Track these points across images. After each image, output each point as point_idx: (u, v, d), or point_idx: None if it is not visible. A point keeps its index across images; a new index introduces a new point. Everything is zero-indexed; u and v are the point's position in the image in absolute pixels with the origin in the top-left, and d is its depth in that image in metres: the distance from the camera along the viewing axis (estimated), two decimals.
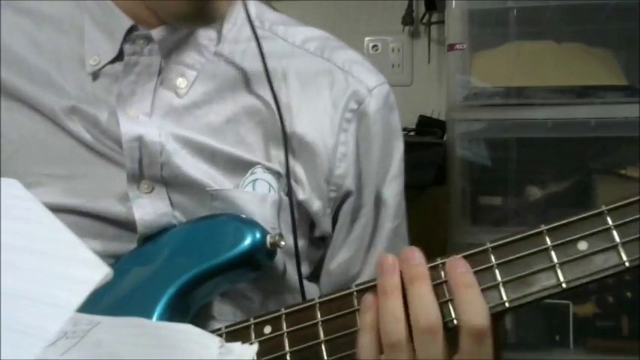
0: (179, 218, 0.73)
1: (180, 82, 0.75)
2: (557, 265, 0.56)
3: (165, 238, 0.72)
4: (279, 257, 0.73)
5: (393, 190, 0.81)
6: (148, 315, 0.66)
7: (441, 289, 0.58)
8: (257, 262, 0.70)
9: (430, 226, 1.40)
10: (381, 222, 0.81)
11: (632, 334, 1.44)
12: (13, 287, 0.40)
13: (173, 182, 0.73)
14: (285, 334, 0.63)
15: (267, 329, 0.63)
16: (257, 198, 0.73)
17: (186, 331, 0.52)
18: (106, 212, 0.72)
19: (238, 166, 0.74)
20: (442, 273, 0.58)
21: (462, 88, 1.48)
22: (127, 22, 0.74)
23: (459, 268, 0.57)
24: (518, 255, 0.57)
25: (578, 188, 1.49)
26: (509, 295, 0.56)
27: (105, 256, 0.68)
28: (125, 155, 0.71)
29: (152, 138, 0.71)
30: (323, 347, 0.61)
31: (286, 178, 0.74)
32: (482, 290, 0.57)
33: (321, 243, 0.80)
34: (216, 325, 0.69)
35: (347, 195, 0.78)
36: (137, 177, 0.72)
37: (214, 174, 0.73)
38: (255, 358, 0.62)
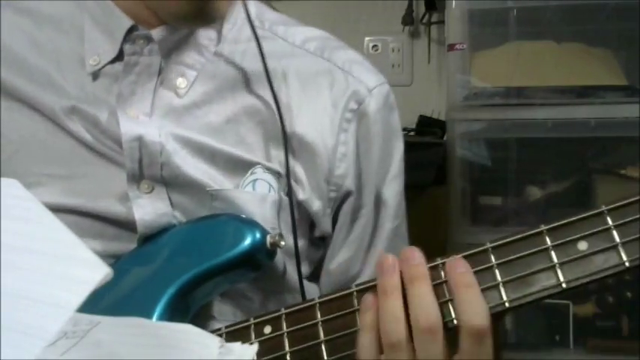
0: (179, 218, 0.73)
1: (180, 82, 0.75)
2: (557, 265, 0.55)
3: (165, 238, 0.72)
4: (279, 257, 0.73)
5: (393, 190, 0.81)
6: (148, 315, 0.66)
7: (441, 289, 0.58)
8: (257, 262, 0.70)
9: (430, 226, 1.40)
10: (381, 222, 0.81)
11: (632, 334, 1.44)
12: (13, 287, 0.40)
13: (173, 182, 0.73)
14: (285, 334, 0.63)
15: (267, 329, 0.63)
16: (257, 198, 0.73)
17: (186, 331, 0.52)
18: (106, 212, 0.72)
19: (238, 166, 0.74)
20: (442, 273, 0.58)
21: (462, 88, 1.48)
22: (127, 22, 0.74)
23: (458, 268, 0.57)
24: (518, 255, 0.57)
25: (578, 188, 1.49)
26: (510, 295, 0.56)
27: (105, 256, 0.67)
28: (125, 155, 0.71)
29: (152, 138, 0.71)
30: (323, 347, 0.61)
31: (286, 178, 0.74)
32: (483, 290, 0.57)
33: (321, 243, 0.80)
34: (217, 325, 0.69)
35: (347, 195, 0.78)
36: (137, 177, 0.72)
37: (214, 174, 0.73)
38: (255, 358, 0.62)
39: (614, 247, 0.54)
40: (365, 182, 0.79)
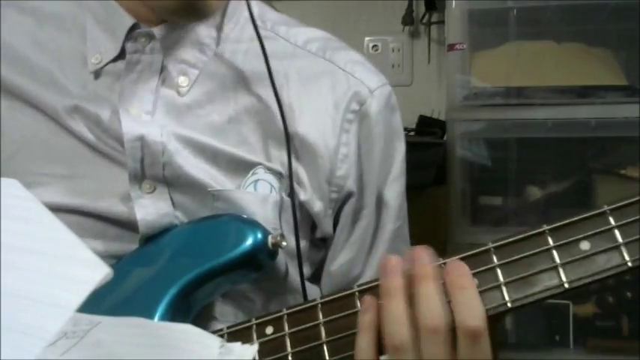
0: (181, 218, 0.73)
1: (182, 81, 0.75)
2: (560, 266, 0.55)
3: (166, 239, 0.72)
4: (281, 258, 0.73)
5: (394, 191, 0.81)
6: (149, 315, 0.66)
7: (444, 287, 0.57)
8: (259, 262, 0.70)
9: (430, 226, 1.40)
10: (383, 223, 0.80)
11: (632, 334, 1.44)
12: (13, 287, 0.40)
13: (175, 182, 0.72)
14: (287, 334, 0.62)
15: (269, 330, 0.63)
16: (258, 198, 0.72)
17: (187, 331, 0.52)
18: (108, 212, 0.72)
19: (240, 167, 0.74)
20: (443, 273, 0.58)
21: (462, 88, 1.48)
22: (128, 21, 0.74)
23: (454, 271, 0.57)
24: (520, 255, 0.57)
25: (578, 188, 1.49)
26: (512, 295, 0.56)
27: (106, 256, 0.68)
28: (127, 155, 0.71)
29: (154, 138, 0.71)
30: (325, 348, 0.61)
31: (288, 179, 0.74)
32: (484, 291, 0.56)
33: (322, 244, 0.80)
34: (218, 326, 0.69)
35: (348, 196, 0.78)
36: (139, 177, 0.72)
37: (216, 174, 0.73)
38: (257, 358, 0.62)
39: (617, 247, 0.54)
40: (366, 183, 0.79)
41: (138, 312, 0.61)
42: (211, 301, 0.72)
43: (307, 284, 0.76)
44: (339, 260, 0.79)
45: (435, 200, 1.54)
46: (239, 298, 0.74)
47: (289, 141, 0.73)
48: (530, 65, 1.47)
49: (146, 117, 0.73)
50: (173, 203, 0.73)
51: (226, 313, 0.73)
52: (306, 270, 0.78)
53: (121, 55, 0.75)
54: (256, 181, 0.73)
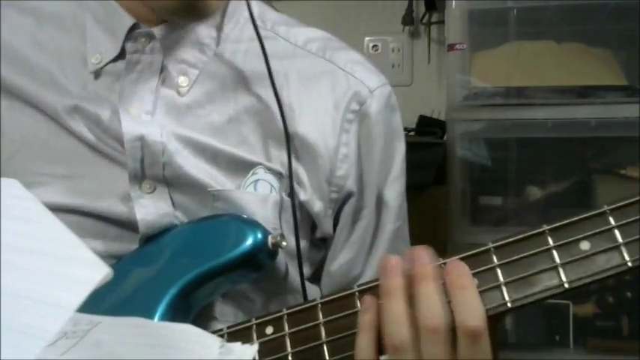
0: (181, 218, 0.73)
1: (182, 81, 0.75)
2: (560, 266, 0.55)
3: (166, 239, 0.72)
4: (281, 258, 0.73)
5: (394, 191, 0.81)
6: (149, 316, 0.66)
7: (444, 287, 0.57)
8: (259, 262, 0.70)
9: (430, 226, 1.40)
10: (383, 223, 0.80)
11: (632, 334, 1.44)
12: (13, 287, 0.40)
13: (175, 182, 0.72)
14: (287, 334, 0.62)
15: (269, 330, 0.63)
16: (258, 198, 0.72)
17: (187, 331, 0.52)
18: (108, 212, 0.72)
19: (240, 167, 0.74)
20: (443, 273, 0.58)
21: (462, 88, 1.48)
22: (128, 21, 0.74)
23: (454, 271, 0.57)
24: (520, 255, 0.57)
25: (578, 188, 1.49)
26: (512, 295, 0.56)
27: (106, 256, 0.68)
28: (127, 155, 0.71)
29: (154, 138, 0.71)
30: (325, 348, 0.61)
31: (289, 179, 0.74)
32: (484, 291, 0.56)
33: (322, 244, 0.80)
34: (218, 326, 0.69)
35: (348, 196, 0.78)
36: (139, 177, 0.72)
37: (216, 174, 0.73)
38: (257, 358, 0.62)
39: (617, 247, 0.54)
40: (366, 183, 0.79)
41: (138, 312, 0.61)
42: (211, 301, 0.72)
43: (307, 284, 0.76)
44: (339, 260, 0.79)
45: (435, 200, 1.54)
46: (239, 298, 0.74)
47: (289, 141, 0.73)
48: (530, 65, 1.47)
49: (146, 117, 0.73)
50: (173, 203, 0.73)
51: (226, 314, 0.73)
52: (306, 270, 0.78)
53: (121, 55, 0.75)
54: (256, 181, 0.73)
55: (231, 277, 0.70)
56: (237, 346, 0.51)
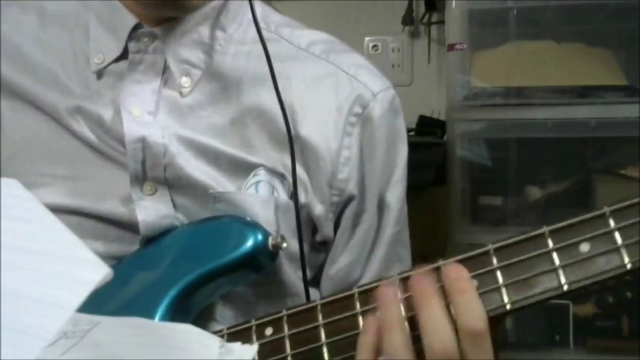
0: (181, 220, 0.73)
1: (185, 82, 0.75)
2: (559, 267, 0.55)
3: (167, 240, 0.72)
4: (282, 262, 0.73)
5: (396, 194, 0.80)
6: (150, 317, 0.66)
7: (442, 291, 0.57)
8: (259, 263, 0.70)
9: (430, 226, 1.40)
10: (383, 226, 0.80)
11: (632, 334, 1.44)
12: (13, 287, 0.40)
13: (176, 184, 0.72)
14: (287, 336, 0.62)
15: (269, 331, 0.63)
16: (260, 200, 0.72)
17: (187, 331, 0.52)
18: (109, 214, 0.72)
19: (241, 168, 0.74)
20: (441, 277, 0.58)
21: (462, 88, 1.48)
22: (131, 20, 0.74)
23: (452, 274, 0.57)
24: (520, 257, 0.57)
25: (578, 188, 1.49)
26: (511, 297, 0.56)
27: (107, 257, 0.67)
28: (128, 156, 0.71)
29: (155, 139, 0.71)
30: (324, 349, 0.61)
31: (291, 181, 0.73)
32: (484, 293, 0.56)
33: (322, 247, 0.80)
34: (218, 328, 0.69)
35: (349, 199, 0.77)
36: (140, 178, 0.72)
37: (217, 176, 0.73)
38: (257, 358, 0.61)
39: (617, 249, 0.54)
40: (368, 187, 0.78)
41: (138, 313, 0.61)
42: (210, 302, 0.72)
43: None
44: (338, 264, 0.79)
45: (435, 200, 1.54)
46: (239, 301, 0.74)
47: (292, 143, 0.73)
48: (530, 65, 1.47)
49: (148, 117, 0.73)
50: (174, 205, 0.73)
51: (226, 316, 0.73)
52: (307, 273, 0.78)
53: (124, 55, 0.75)
54: (257, 182, 0.73)
55: (232, 278, 0.70)
56: (237, 346, 0.51)
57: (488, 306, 0.56)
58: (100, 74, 0.75)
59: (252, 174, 0.73)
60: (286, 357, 0.62)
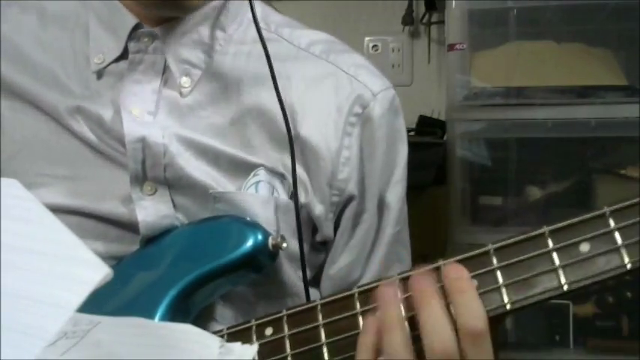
0: (181, 220, 0.73)
1: (185, 82, 0.75)
2: (560, 268, 0.55)
3: (167, 240, 0.72)
4: (282, 262, 0.73)
5: (396, 194, 0.80)
6: (150, 317, 0.66)
7: (442, 291, 0.57)
8: (259, 263, 0.70)
9: (430, 226, 1.40)
10: (383, 226, 0.80)
11: (632, 334, 1.44)
12: (13, 287, 0.40)
13: (176, 184, 0.72)
14: (287, 336, 0.62)
15: (269, 331, 0.63)
16: (259, 200, 0.72)
17: (187, 331, 0.52)
18: (109, 214, 0.72)
19: (241, 168, 0.74)
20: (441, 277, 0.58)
21: (462, 88, 1.48)
22: (131, 20, 0.74)
23: (452, 274, 0.57)
24: (520, 257, 0.57)
25: (578, 188, 1.49)
26: (511, 297, 0.56)
27: (107, 257, 0.68)
28: (128, 156, 0.71)
29: (155, 139, 0.71)
30: (324, 349, 0.61)
31: (291, 181, 0.73)
32: (484, 293, 0.56)
33: (322, 248, 0.80)
34: (218, 328, 0.69)
35: (349, 199, 0.77)
36: (140, 178, 0.72)
37: (217, 176, 0.73)
38: (256, 358, 0.61)
39: (617, 249, 0.54)
40: (368, 187, 0.78)
41: (138, 313, 0.61)
42: (210, 302, 0.72)
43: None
44: (338, 264, 0.79)
45: (435, 200, 1.54)
46: (239, 301, 0.74)
47: (292, 143, 0.73)
48: (530, 65, 1.47)
49: (148, 117, 0.73)
50: (174, 205, 0.73)
51: (226, 316, 0.73)
52: (307, 273, 0.78)
53: (124, 55, 0.75)
54: (257, 182, 0.73)
55: (232, 278, 0.70)
56: (237, 346, 0.51)
57: (488, 306, 0.56)
58: (100, 74, 0.75)
59: (252, 174, 0.73)
60: (286, 357, 0.62)
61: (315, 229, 0.77)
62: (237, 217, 0.71)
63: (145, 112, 0.73)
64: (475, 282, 0.57)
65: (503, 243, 0.57)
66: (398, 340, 0.56)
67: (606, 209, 0.55)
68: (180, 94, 0.75)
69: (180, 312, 0.68)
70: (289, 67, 0.77)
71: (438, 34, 1.92)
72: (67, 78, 0.75)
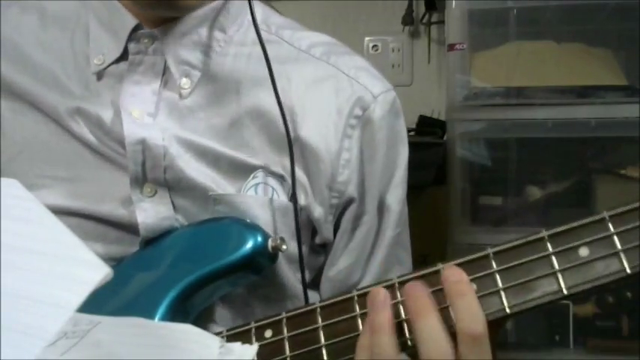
0: (181, 222, 0.73)
1: (184, 83, 0.75)
2: (559, 272, 0.55)
3: (167, 242, 0.72)
4: (281, 264, 0.73)
5: (396, 196, 0.80)
6: (149, 318, 0.66)
7: (441, 294, 0.57)
8: (259, 265, 0.70)
9: (430, 226, 1.40)
10: (383, 228, 0.80)
11: (632, 334, 1.44)
12: (13, 287, 0.40)
13: (176, 186, 0.72)
14: (286, 338, 0.62)
15: (268, 333, 0.63)
16: (259, 202, 0.72)
17: (186, 331, 0.52)
18: (109, 215, 0.72)
19: (241, 170, 0.73)
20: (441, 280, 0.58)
21: (462, 88, 1.48)
22: (131, 21, 0.74)
23: (451, 277, 0.57)
24: (519, 261, 0.57)
25: (578, 188, 1.49)
26: (510, 301, 0.56)
27: (107, 259, 0.67)
28: (128, 158, 0.71)
29: (155, 141, 0.71)
30: (324, 351, 0.61)
31: (290, 183, 0.73)
32: (483, 296, 0.56)
33: (321, 250, 0.80)
34: (217, 330, 0.69)
35: (349, 202, 0.77)
36: (140, 180, 0.72)
37: (217, 177, 0.73)
38: (256, 359, 0.61)
39: (616, 253, 0.54)
40: (368, 189, 0.78)
41: (138, 314, 0.61)
42: (209, 304, 0.72)
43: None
44: (338, 266, 0.79)
45: (435, 200, 1.54)
46: (238, 303, 0.74)
47: (292, 146, 0.72)
48: (530, 65, 1.47)
49: (148, 119, 0.73)
50: (174, 207, 0.73)
51: (225, 318, 0.73)
52: (306, 276, 0.77)
53: (124, 56, 0.75)
54: (257, 184, 0.73)
55: (231, 280, 0.70)
56: (237, 346, 0.51)
57: (488, 309, 0.56)
58: (100, 75, 0.75)
59: (251, 176, 0.73)
60: (285, 359, 0.62)
61: (314, 232, 0.77)
62: (237, 218, 0.71)
63: (145, 114, 0.73)
64: (474, 285, 0.57)
65: (503, 247, 0.58)
66: (385, 341, 0.56)
67: (605, 214, 0.55)
68: (180, 95, 0.75)
69: (179, 313, 0.68)
70: (289, 69, 0.77)
71: (438, 34, 1.92)
72: (67, 79, 0.75)
